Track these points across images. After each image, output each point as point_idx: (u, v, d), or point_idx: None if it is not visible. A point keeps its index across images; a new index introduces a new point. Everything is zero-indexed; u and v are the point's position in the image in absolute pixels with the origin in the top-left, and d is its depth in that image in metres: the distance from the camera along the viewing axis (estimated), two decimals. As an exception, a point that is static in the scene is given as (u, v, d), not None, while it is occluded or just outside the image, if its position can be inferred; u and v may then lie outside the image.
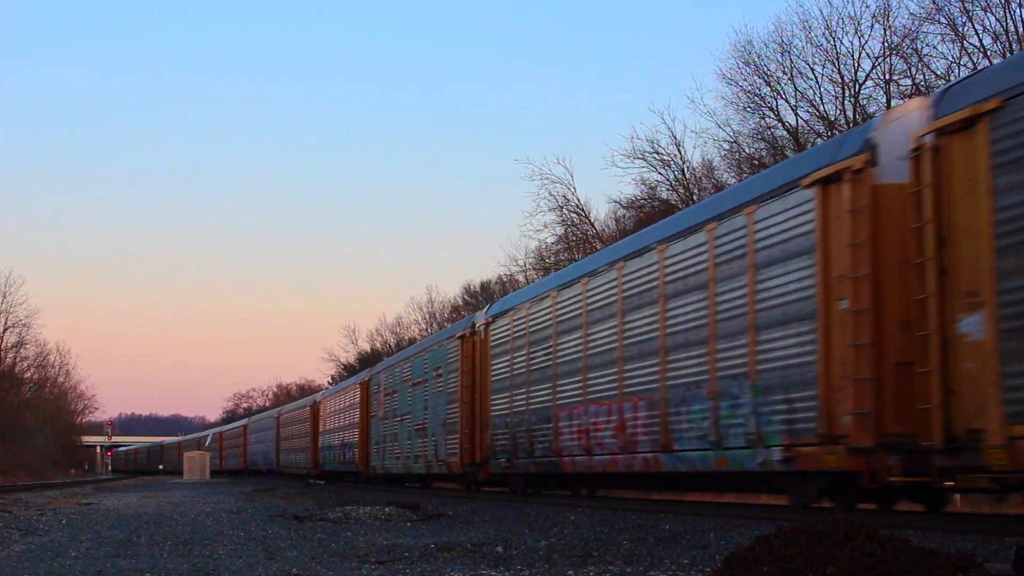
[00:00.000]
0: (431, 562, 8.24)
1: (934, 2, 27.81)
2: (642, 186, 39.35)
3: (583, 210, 42.58)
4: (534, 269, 46.11)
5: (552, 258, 43.77)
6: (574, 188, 50.73)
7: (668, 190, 38.69)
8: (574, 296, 16.95)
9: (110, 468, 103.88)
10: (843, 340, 10.28)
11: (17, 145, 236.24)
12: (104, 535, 11.78)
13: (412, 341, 61.47)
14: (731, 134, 35.17)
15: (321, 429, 41.84)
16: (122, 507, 19.49)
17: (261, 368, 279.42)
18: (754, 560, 5.70)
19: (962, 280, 8.85)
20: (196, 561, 8.57)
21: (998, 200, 8.47)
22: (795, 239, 11.11)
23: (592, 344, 16.03)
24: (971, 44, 27.54)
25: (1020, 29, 26.43)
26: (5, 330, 69.58)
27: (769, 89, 33.17)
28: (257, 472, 58.65)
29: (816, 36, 31.80)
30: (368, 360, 67.12)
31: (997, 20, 26.94)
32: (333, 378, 77.75)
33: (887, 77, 30.14)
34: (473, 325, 22.42)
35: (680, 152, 38.03)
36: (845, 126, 29.79)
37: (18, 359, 73.44)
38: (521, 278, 47.80)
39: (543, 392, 17.95)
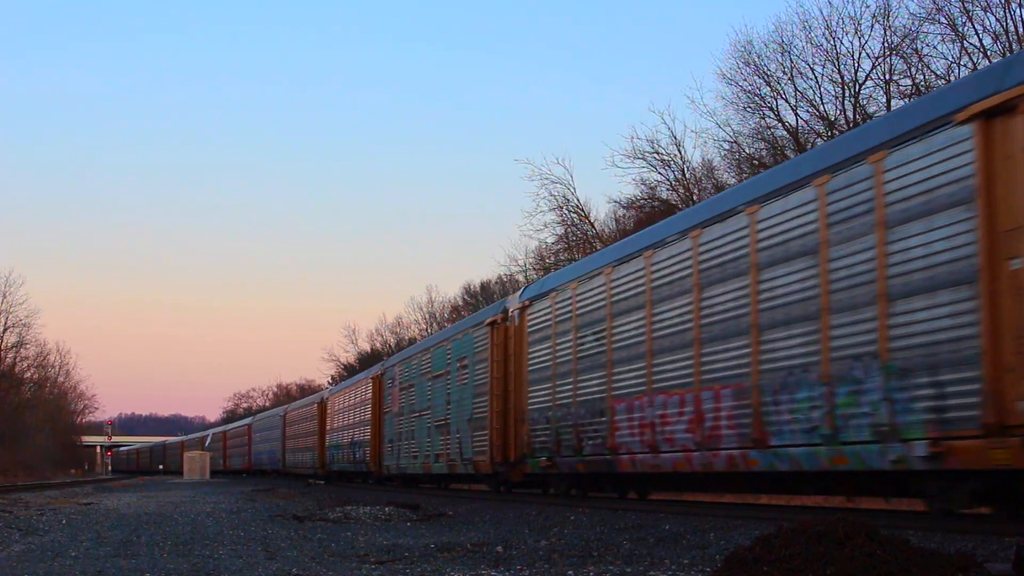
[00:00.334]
0: (431, 562, 8.23)
1: (934, 2, 27.87)
2: (642, 186, 39.45)
3: (583, 210, 42.65)
4: (534, 269, 46.16)
5: (552, 258, 43.82)
6: (574, 188, 50.84)
7: (668, 190, 38.77)
8: (634, 271, 14.84)
9: (110, 468, 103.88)
10: (1018, 308, 8.49)
11: (17, 145, 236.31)
12: (104, 535, 11.78)
13: (412, 341, 61.24)
14: (731, 134, 35.25)
15: (328, 427, 40.25)
16: (122, 507, 19.49)
17: (261, 368, 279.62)
18: (754, 560, 5.70)
19: None
20: (196, 561, 8.57)
21: None
22: (944, 187, 9.22)
23: (659, 325, 14.02)
24: (971, 44, 27.59)
25: (1020, 29, 26.44)
26: (5, 330, 69.73)
27: (769, 89, 33.23)
28: (262, 472, 57.26)
29: (816, 36, 31.88)
30: (368, 360, 67.11)
31: (997, 20, 27.01)
32: (333, 378, 77.77)
33: (887, 77, 30.19)
34: (505, 310, 20.27)
35: (680, 152, 38.12)
36: (845, 126, 29.82)
37: (18, 359, 73.58)
38: (521, 278, 47.83)
39: (595, 382, 15.89)
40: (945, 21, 27.78)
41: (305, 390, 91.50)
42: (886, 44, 30.14)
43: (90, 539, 11.17)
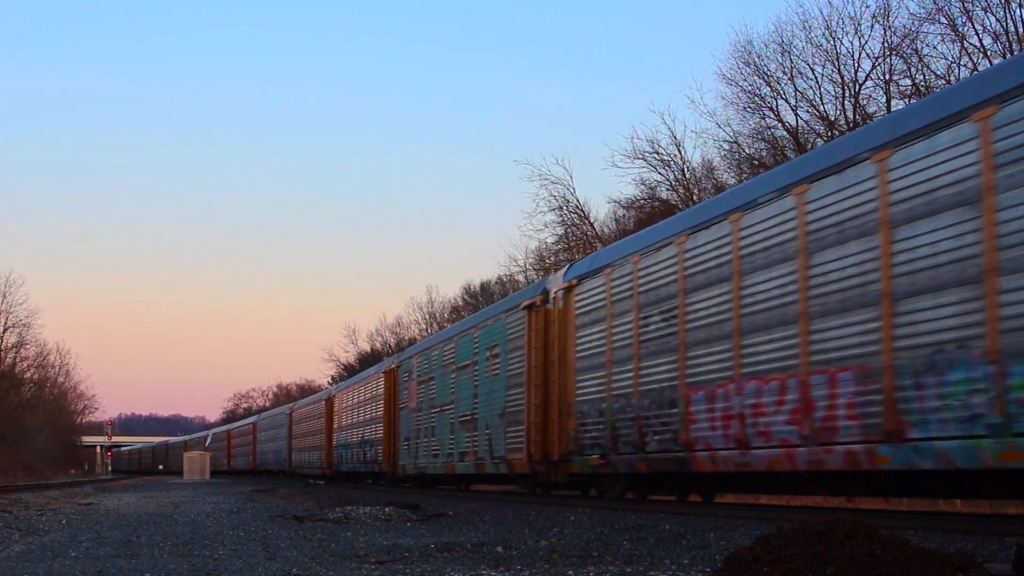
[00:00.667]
0: (431, 562, 8.24)
1: (934, 2, 27.88)
2: (642, 186, 39.49)
3: (583, 210, 42.69)
4: (534, 269, 46.21)
5: (552, 258, 43.85)
6: (573, 189, 50.92)
7: (668, 190, 38.81)
8: (717, 239, 12.80)
9: (110, 468, 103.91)
10: None
11: (17, 145, 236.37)
12: (104, 535, 11.78)
13: (412, 341, 61.07)
14: (731, 134, 35.29)
15: (336, 425, 38.37)
16: (122, 507, 19.49)
17: (261, 368, 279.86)
18: (754, 560, 5.70)
19: None
20: (196, 561, 8.57)
21: None
22: None
23: (751, 300, 12.01)
24: (971, 44, 27.60)
25: (1020, 29, 26.45)
26: (5, 330, 69.84)
27: (769, 89, 33.26)
28: (268, 472, 55.30)
29: (816, 36, 31.91)
30: (368, 360, 67.13)
31: (997, 20, 27.02)
32: (333, 378, 77.78)
33: (887, 77, 30.21)
34: (546, 292, 18.18)
35: (680, 152, 38.15)
36: (845, 126, 29.83)
37: (18, 359, 73.70)
38: (521, 278, 47.89)
39: (663, 367, 13.88)
40: (945, 21, 27.82)
41: (305, 390, 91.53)
42: (886, 44, 30.19)
43: (90, 539, 11.17)
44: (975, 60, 27.09)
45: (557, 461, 17.36)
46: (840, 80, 31.28)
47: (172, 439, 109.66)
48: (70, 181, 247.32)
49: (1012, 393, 8.53)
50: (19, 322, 70.59)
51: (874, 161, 10.14)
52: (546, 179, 41.76)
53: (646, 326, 14.41)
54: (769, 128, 33.84)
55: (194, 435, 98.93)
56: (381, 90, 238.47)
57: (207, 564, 8.30)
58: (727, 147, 35.94)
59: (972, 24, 27.30)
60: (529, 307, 18.64)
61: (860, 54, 30.90)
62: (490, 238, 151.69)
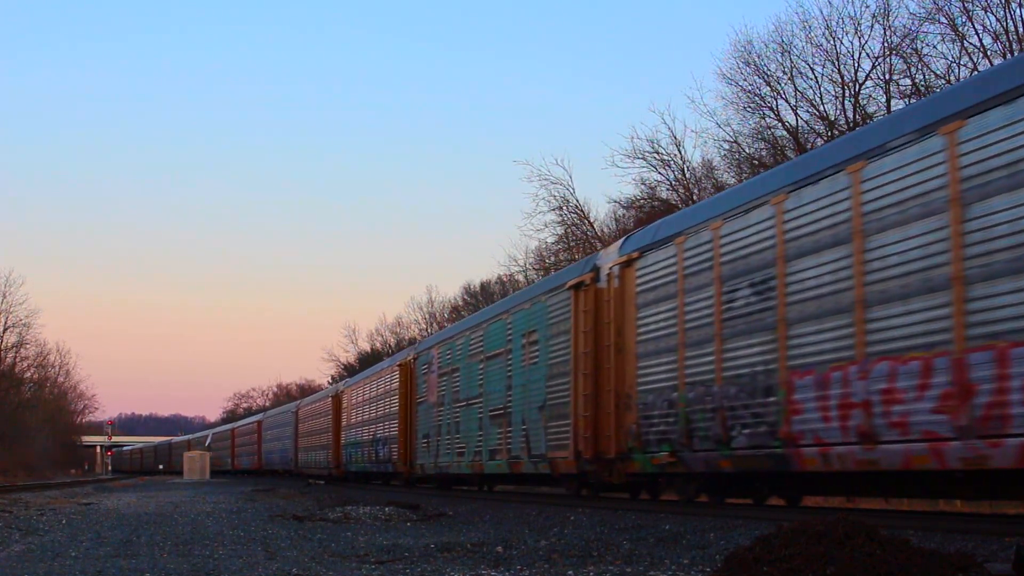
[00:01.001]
0: (431, 562, 8.24)
1: (934, 2, 27.89)
2: (642, 186, 39.53)
3: (583, 211, 42.72)
4: (534, 269, 46.24)
5: (552, 258, 43.89)
6: (573, 189, 50.95)
7: (668, 190, 38.83)
8: (831, 194, 10.84)
9: (110, 468, 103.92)
10: None
11: (17, 145, 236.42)
12: (104, 535, 11.78)
13: (412, 341, 60.87)
14: (731, 134, 35.31)
15: (344, 423, 36.43)
16: (122, 507, 19.49)
17: (261, 368, 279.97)
18: (754, 560, 5.70)
19: None
20: (196, 561, 8.57)
21: None
22: None
23: (879, 264, 10.12)
24: (971, 44, 27.61)
25: (1020, 29, 26.46)
26: (5, 330, 69.87)
27: (769, 89, 33.27)
28: (274, 473, 53.21)
29: (816, 36, 31.94)
30: (368, 360, 67.07)
31: (997, 20, 27.03)
32: (333, 378, 77.76)
33: (887, 77, 30.22)
34: (596, 269, 16.28)
35: (680, 152, 38.18)
36: (845, 126, 29.84)
37: (18, 359, 73.75)
38: (521, 278, 47.90)
39: (755, 349, 11.97)
40: (945, 21, 27.83)
41: (305, 390, 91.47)
42: (886, 44, 30.20)
43: (90, 539, 11.17)
44: (975, 60, 27.11)
45: (612, 459, 15.37)
46: (840, 80, 31.33)
47: (175, 439, 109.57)
48: (70, 181, 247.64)
49: None
50: (19, 322, 70.71)
51: None
52: (546, 179, 41.85)
53: (731, 301, 12.49)
54: (769, 128, 33.88)
55: (196, 435, 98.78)
56: (381, 90, 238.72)
57: (207, 564, 8.30)
58: (727, 147, 35.99)
59: (972, 24, 27.34)
60: (576, 287, 16.64)
61: (860, 54, 30.94)
62: (490, 238, 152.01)
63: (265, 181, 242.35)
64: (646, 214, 37.31)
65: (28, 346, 74.67)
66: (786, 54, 32.58)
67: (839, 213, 10.68)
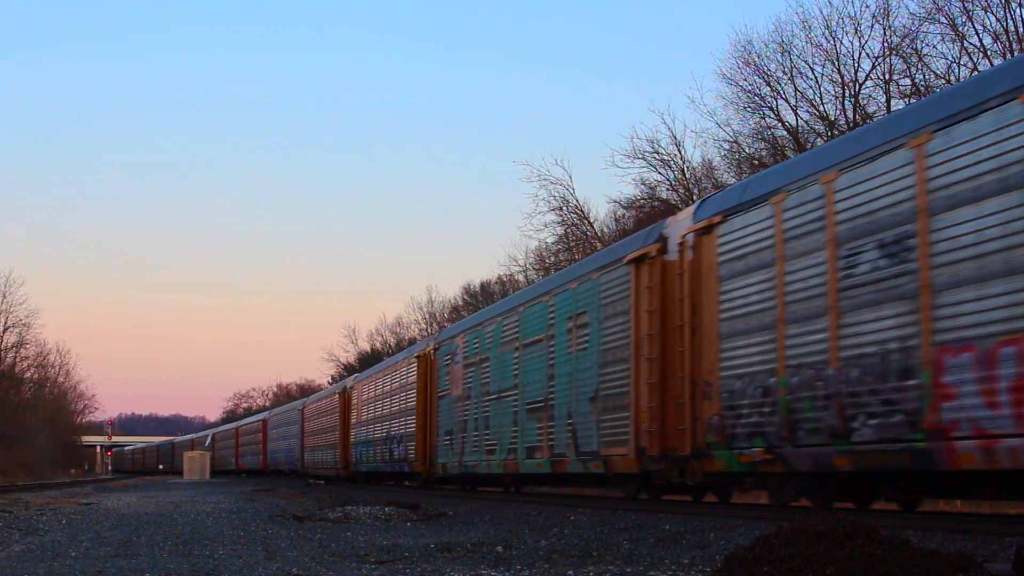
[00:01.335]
0: (431, 562, 8.24)
1: (934, 2, 27.90)
2: (642, 186, 39.54)
3: (582, 211, 42.74)
4: (534, 269, 46.25)
5: (552, 258, 43.90)
6: (572, 189, 50.99)
7: (668, 190, 38.83)
8: (998, 129, 8.66)
9: (110, 468, 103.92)
10: None
11: (17, 145, 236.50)
12: (104, 535, 11.78)
13: (412, 341, 60.67)
14: (731, 134, 35.33)
15: (354, 420, 34.53)
16: (122, 507, 19.50)
17: (261, 368, 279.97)
18: (754, 560, 5.70)
19: None
20: (196, 561, 8.57)
21: None
22: None
23: None
24: (971, 44, 27.62)
25: (1020, 29, 26.46)
26: (5, 330, 69.92)
27: (769, 89, 33.28)
28: (280, 473, 51.58)
29: (816, 36, 31.95)
30: (369, 360, 67.05)
31: (997, 20, 27.04)
32: (333, 378, 77.77)
33: (887, 77, 30.23)
34: (663, 239, 14.25)
35: (680, 152, 38.18)
36: (845, 126, 29.84)
37: (18, 359, 73.79)
38: (521, 278, 47.91)
39: (890, 322, 9.76)
40: (945, 21, 27.84)
41: (305, 390, 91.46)
42: (886, 44, 30.20)
43: (90, 539, 11.18)
44: (975, 60, 27.12)
45: (686, 457, 13.27)
46: (840, 80, 31.34)
47: (177, 438, 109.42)
48: (70, 181, 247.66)
49: None
50: (19, 322, 70.78)
51: None
52: (546, 179, 41.89)
53: (850, 267, 10.39)
54: (769, 128, 33.90)
55: (201, 433, 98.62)
56: (381, 90, 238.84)
57: (207, 564, 8.31)
58: (727, 147, 36.01)
59: (972, 24, 27.35)
60: (637, 261, 14.62)
61: (860, 54, 30.96)
62: (490, 238, 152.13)
63: (265, 181, 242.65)
64: (646, 214, 37.33)
65: (28, 346, 74.83)
66: (786, 54, 32.63)
67: (1009, 152, 8.47)
